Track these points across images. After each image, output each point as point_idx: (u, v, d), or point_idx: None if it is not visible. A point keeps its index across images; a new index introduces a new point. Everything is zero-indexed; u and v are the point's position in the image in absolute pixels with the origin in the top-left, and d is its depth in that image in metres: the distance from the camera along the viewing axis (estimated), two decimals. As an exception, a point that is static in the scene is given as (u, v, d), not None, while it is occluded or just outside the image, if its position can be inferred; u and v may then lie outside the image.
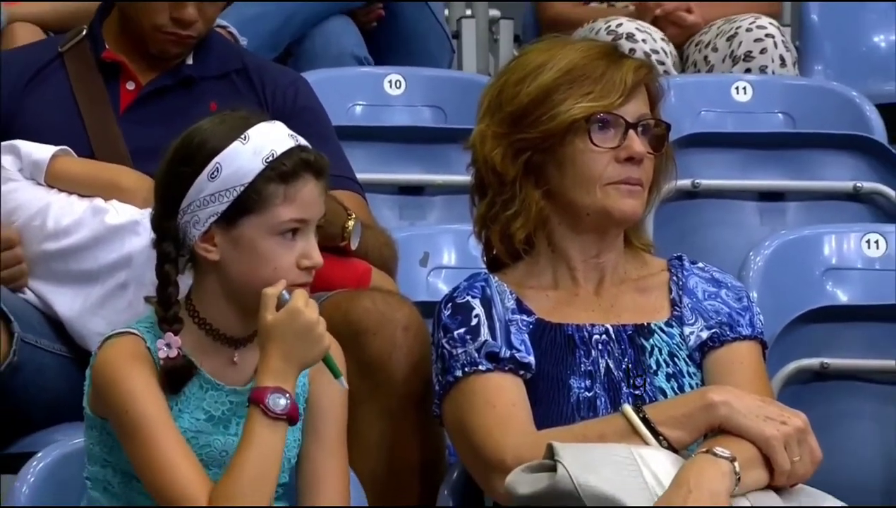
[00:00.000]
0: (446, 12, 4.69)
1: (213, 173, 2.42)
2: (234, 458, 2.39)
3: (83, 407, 2.50)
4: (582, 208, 2.63)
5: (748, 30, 4.26)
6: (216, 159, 2.43)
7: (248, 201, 2.42)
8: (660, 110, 2.68)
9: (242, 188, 2.42)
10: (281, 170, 2.43)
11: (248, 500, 2.36)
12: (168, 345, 2.43)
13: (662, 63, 4.22)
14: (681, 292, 2.67)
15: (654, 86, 2.67)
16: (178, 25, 3.03)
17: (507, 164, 2.64)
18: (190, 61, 3.12)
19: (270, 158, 2.43)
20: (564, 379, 2.61)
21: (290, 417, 2.40)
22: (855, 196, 3.64)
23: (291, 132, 2.48)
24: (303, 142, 2.48)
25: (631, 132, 2.62)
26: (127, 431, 2.41)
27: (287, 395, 2.38)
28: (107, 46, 3.12)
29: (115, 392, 2.41)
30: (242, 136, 2.44)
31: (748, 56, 4.23)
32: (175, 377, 2.43)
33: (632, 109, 2.63)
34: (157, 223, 2.48)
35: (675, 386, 2.61)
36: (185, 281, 2.50)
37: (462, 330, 2.61)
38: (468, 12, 4.82)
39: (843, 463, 2.91)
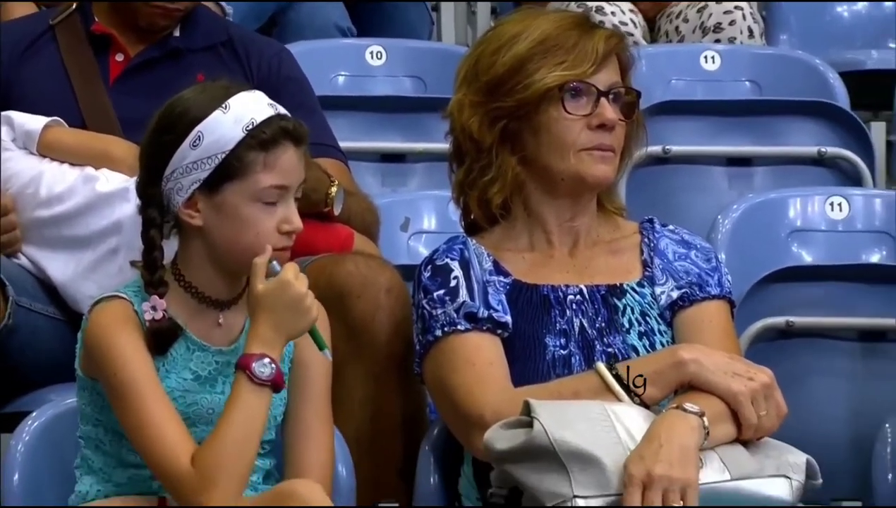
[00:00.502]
0: (426, -15, 4.68)
1: (195, 141, 2.42)
2: (219, 420, 2.39)
3: (75, 369, 2.49)
4: (557, 173, 2.62)
5: (718, 2, 4.26)
6: (198, 128, 2.42)
7: (230, 168, 2.42)
8: (630, 78, 2.67)
9: (224, 155, 2.42)
10: (261, 138, 2.42)
11: (232, 460, 2.36)
12: (154, 308, 2.43)
13: (631, 34, 4.22)
14: (652, 253, 2.67)
15: (624, 56, 2.67)
16: None
17: (484, 132, 2.63)
18: (177, 33, 3.10)
19: (250, 126, 2.42)
20: (540, 338, 2.61)
21: (275, 384, 2.40)
22: (819, 161, 3.64)
23: (271, 101, 2.47)
24: (282, 110, 2.47)
25: (603, 100, 2.61)
26: (116, 393, 2.41)
27: (273, 363, 2.38)
28: (96, 19, 3.10)
29: (105, 355, 2.41)
30: (223, 105, 2.43)
31: (718, 27, 4.23)
32: (161, 338, 2.43)
33: (603, 78, 2.62)
34: (142, 190, 2.47)
35: (647, 343, 2.61)
36: (171, 247, 2.49)
37: (441, 292, 2.61)
38: (447, -15, 4.81)
39: (807, 417, 2.92)
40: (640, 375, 2.48)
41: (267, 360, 2.37)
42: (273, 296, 2.38)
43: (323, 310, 2.51)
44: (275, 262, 2.41)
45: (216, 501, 2.35)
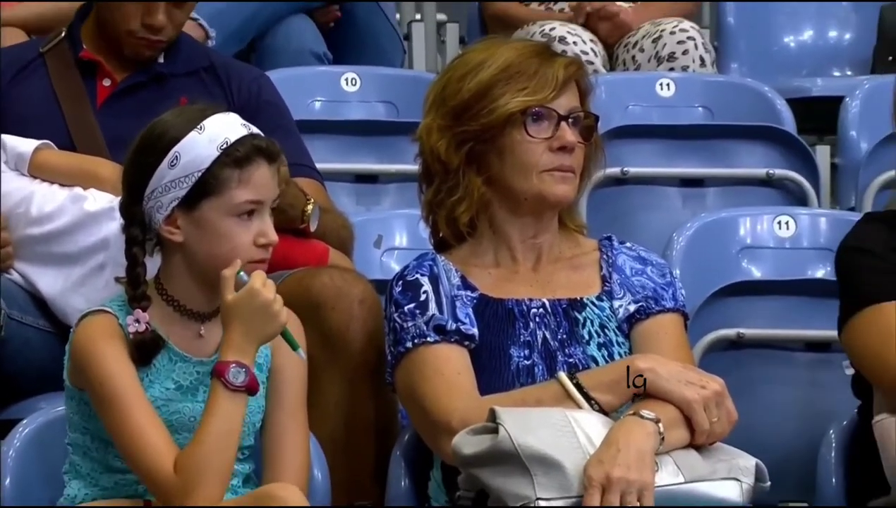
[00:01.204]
0: (398, 15, 4.68)
1: (172, 161, 2.42)
2: (198, 427, 2.38)
3: (63, 379, 2.48)
4: (520, 193, 2.63)
5: (672, 33, 4.27)
6: (175, 148, 2.42)
7: (206, 185, 2.42)
8: (589, 103, 2.68)
9: (200, 173, 2.42)
10: (235, 156, 2.42)
11: (212, 463, 2.36)
12: (137, 321, 2.42)
13: (591, 63, 4.23)
14: (611, 269, 2.68)
15: (583, 82, 2.68)
16: (149, 31, 3.02)
17: (451, 154, 2.63)
18: (161, 59, 3.10)
19: (224, 145, 2.43)
20: (505, 349, 2.61)
21: (249, 389, 2.39)
22: (767, 181, 3.65)
23: (245, 122, 2.47)
24: (255, 130, 2.47)
25: (563, 123, 2.62)
26: (102, 403, 2.40)
27: (246, 369, 2.37)
28: (84, 47, 3.10)
29: (91, 367, 2.40)
30: (199, 127, 2.43)
31: (672, 56, 4.24)
32: (144, 350, 2.43)
33: (563, 103, 2.63)
34: (124, 209, 2.47)
35: (606, 354, 2.62)
36: (153, 263, 2.49)
37: (412, 305, 2.61)
38: (418, 16, 4.81)
39: (756, 424, 2.92)
40: (640, 375, 2.47)
41: (240, 367, 2.37)
42: (242, 305, 2.38)
43: (296, 318, 2.50)
44: (242, 273, 2.40)
45: (200, 502, 2.34)
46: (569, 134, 2.62)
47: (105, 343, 2.40)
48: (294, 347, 2.44)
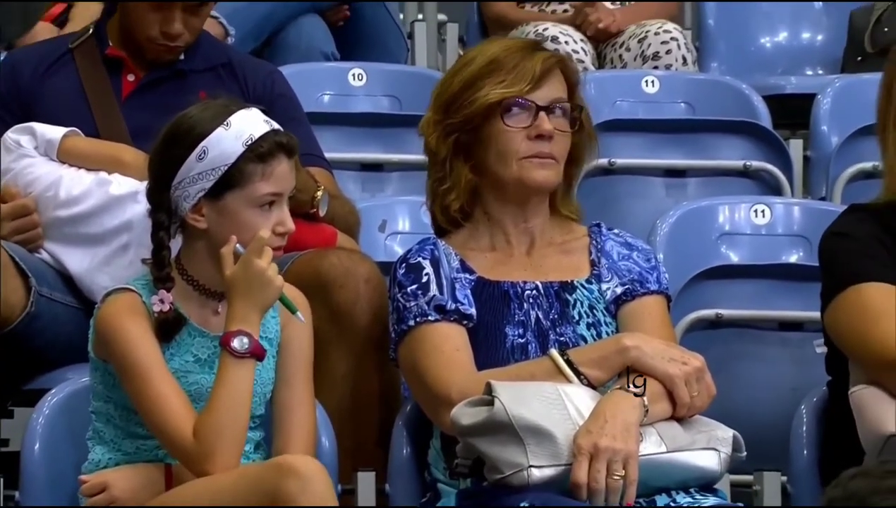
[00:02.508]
0: (402, 15, 4.67)
1: (200, 155, 2.41)
2: (211, 394, 2.38)
3: (89, 352, 2.47)
4: (503, 180, 2.62)
5: (656, 34, 4.26)
6: (203, 143, 2.41)
7: (231, 178, 2.41)
8: (579, 95, 2.66)
9: (226, 167, 2.41)
10: (259, 152, 2.42)
11: (227, 428, 2.35)
12: (161, 301, 2.41)
13: (582, 61, 4.22)
14: (599, 254, 2.67)
15: (570, 74, 2.65)
16: (167, 38, 3.01)
17: (440, 145, 2.63)
18: (182, 57, 3.09)
19: (249, 141, 2.42)
20: (501, 328, 2.60)
21: (254, 354, 2.39)
22: (745, 172, 3.64)
23: (266, 118, 2.47)
24: (276, 126, 2.46)
25: (542, 114, 2.60)
26: (126, 373, 2.39)
27: (249, 336, 2.36)
28: (110, 43, 3.08)
29: (116, 340, 2.39)
30: (225, 123, 2.43)
31: (656, 56, 4.23)
32: (168, 327, 2.42)
33: (543, 94, 2.61)
34: (151, 196, 2.47)
35: (594, 333, 2.60)
36: (174, 243, 2.48)
37: (414, 286, 2.60)
38: (420, 16, 4.80)
39: (733, 397, 2.92)
40: (640, 375, 2.46)
41: (243, 335, 2.36)
42: (238, 277, 2.37)
43: (303, 297, 2.50)
44: (238, 246, 2.40)
45: (219, 466, 2.34)
46: (546, 123, 2.60)
47: (129, 318, 2.40)
48: (292, 310, 2.44)
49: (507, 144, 2.59)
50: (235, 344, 2.36)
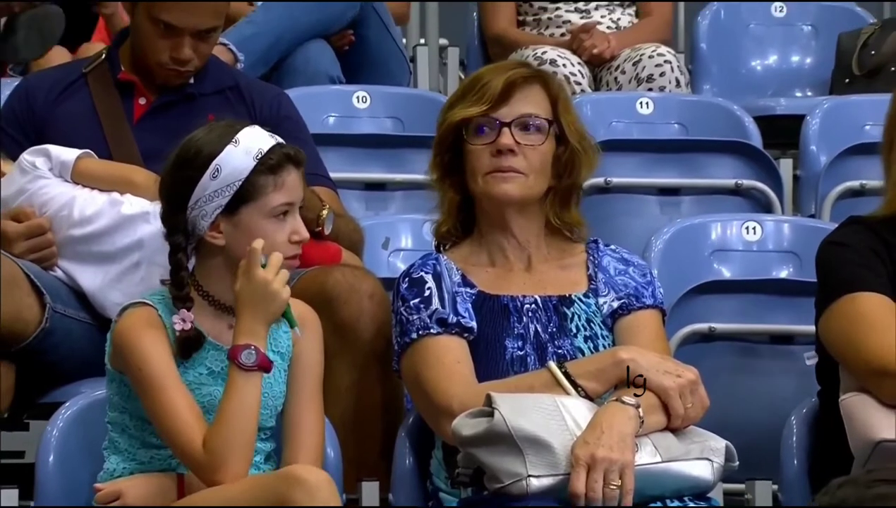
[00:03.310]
0: (404, 40, 4.68)
1: (214, 173, 2.42)
2: (220, 406, 2.38)
3: (105, 364, 2.48)
4: (476, 195, 2.63)
5: (650, 57, 4.27)
6: (215, 162, 2.42)
7: (246, 192, 2.42)
8: (564, 108, 2.64)
9: (240, 183, 2.42)
10: (269, 164, 2.43)
11: (235, 439, 2.35)
12: (183, 320, 2.42)
13: (579, 83, 4.23)
14: (596, 269, 2.67)
15: (549, 89, 2.64)
16: (177, 63, 3.02)
17: (432, 168, 2.66)
18: (191, 81, 3.10)
19: (259, 155, 2.43)
20: (501, 341, 2.60)
21: (261, 367, 2.39)
22: (736, 191, 3.65)
23: (270, 133, 2.47)
24: (280, 140, 2.48)
25: (505, 129, 2.60)
26: (141, 384, 2.40)
27: (255, 349, 2.37)
28: (122, 68, 3.09)
29: (132, 352, 2.40)
30: (234, 140, 2.44)
31: (650, 78, 4.24)
32: (188, 346, 2.43)
33: (508, 110, 2.61)
34: (167, 219, 2.47)
35: (592, 346, 2.61)
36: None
37: (417, 300, 2.60)
38: (422, 40, 4.81)
39: (726, 409, 2.91)
40: (640, 375, 2.46)
41: (251, 349, 2.36)
42: (244, 291, 2.38)
43: (312, 311, 2.50)
44: (262, 256, 2.39)
45: (229, 475, 2.34)
46: (505, 138, 2.60)
47: (145, 331, 2.40)
48: (291, 324, 2.44)
49: (474, 162, 2.61)
50: (243, 357, 2.36)
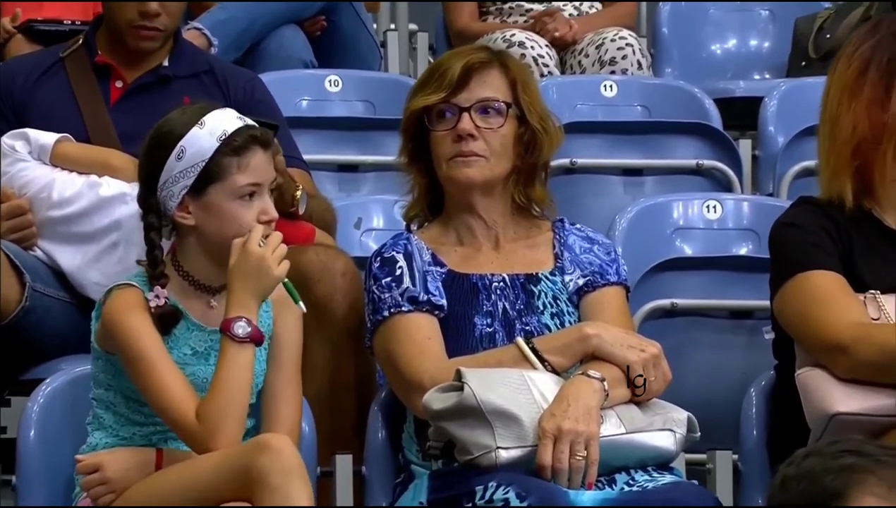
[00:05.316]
0: (375, 25, 4.66)
1: (179, 154, 2.41)
2: (213, 378, 2.38)
3: (91, 342, 2.47)
4: (442, 180, 2.63)
5: (612, 40, 4.27)
6: (180, 143, 2.41)
7: (210, 173, 2.41)
8: (523, 90, 2.61)
9: (204, 163, 2.41)
10: (233, 145, 2.42)
11: (229, 409, 2.35)
12: (157, 296, 2.42)
13: (547, 65, 4.22)
14: (562, 248, 2.67)
15: (508, 72, 2.62)
16: (144, 18, 2.98)
17: (401, 154, 2.65)
18: (166, 63, 3.08)
19: (223, 136, 2.42)
20: (470, 318, 2.60)
21: (254, 339, 2.38)
22: (697, 171, 3.65)
23: (240, 116, 2.46)
24: (250, 122, 2.46)
25: (464, 114, 2.59)
26: (132, 363, 2.39)
27: (249, 322, 2.36)
28: (99, 52, 3.07)
29: (122, 333, 2.40)
30: (200, 122, 2.43)
31: (613, 61, 4.23)
32: (165, 321, 2.42)
33: (468, 95, 2.60)
34: (142, 201, 2.47)
35: (558, 322, 2.61)
36: (167, 245, 2.48)
37: (388, 279, 2.60)
38: (392, 26, 4.79)
39: (688, 382, 2.92)
40: (640, 375, 2.46)
41: (243, 321, 2.36)
42: (238, 265, 2.37)
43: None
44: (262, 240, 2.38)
45: (222, 444, 2.34)
46: (464, 122, 2.59)
47: (133, 312, 2.40)
48: (295, 299, 2.43)
49: (437, 148, 2.61)
50: (236, 329, 2.35)
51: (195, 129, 2.41)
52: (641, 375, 2.47)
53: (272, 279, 2.38)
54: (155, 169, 2.43)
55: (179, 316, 2.42)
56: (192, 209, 2.42)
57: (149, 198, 2.44)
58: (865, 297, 2.52)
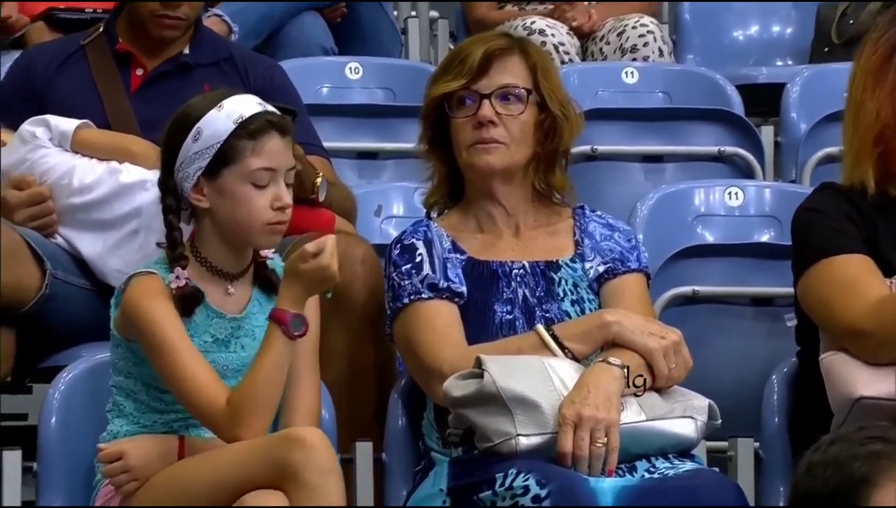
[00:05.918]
0: (396, 12, 4.66)
1: (195, 136, 2.42)
2: (251, 365, 2.37)
3: (110, 330, 2.47)
4: (462, 168, 2.61)
5: (634, 27, 4.25)
6: (197, 124, 2.42)
7: (225, 155, 2.41)
8: (544, 76, 2.61)
9: (219, 145, 2.41)
10: (249, 129, 2.42)
11: (262, 398, 2.35)
12: (177, 277, 2.42)
13: (567, 52, 4.21)
14: (583, 235, 2.66)
15: (529, 58, 2.61)
16: (167, 8, 2.98)
17: (422, 141, 2.64)
18: (187, 51, 3.08)
19: (239, 119, 2.42)
20: (490, 305, 2.59)
21: (303, 336, 2.38)
22: (719, 158, 3.63)
23: (261, 101, 2.46)
24: (270, 108, 2.46)
25: (485, 101, 2.58)
26: (154, 350, 2.39)
27: (303, 320, 2.36)
28: (120, 40, 3.07)
29: (144, 320, 2.39)
30: (218, 106, 2.43)
31: (634, 48, 4.22)
32: (186, 301, 2.42)
33: (487, 82, 2.59)
34: (161, 184, 2.48)
35: (578, 309, 2.60)
36: (188, 230, 2.48)
37: (408, 266, 2.59)
38: (413, 13, 4.78)
39: (709, 369, 2.91)
40: (640, 375, 2.46)
41: (301, 319, 2.36)
42: (304, 268, 2.36)
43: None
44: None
45: (251, 432, 2.33)
46: (485, 109, 2.58)
47: (154, 299, 2.40)
48: (326, 292, 2.43)
49: (458, 135, 2.60)
50: (292, 325, 2.35)
51: (213, 112, 2.42)
52: (641, 375, 2.45)
53: (329, 284, 2.39)
54: (174, 151, 2.43)
55: (201, 297, 2.42)
56: (206, 191, 2.42)
57: (167, 181, 2.45)
58: (892, 282, 2.50)
